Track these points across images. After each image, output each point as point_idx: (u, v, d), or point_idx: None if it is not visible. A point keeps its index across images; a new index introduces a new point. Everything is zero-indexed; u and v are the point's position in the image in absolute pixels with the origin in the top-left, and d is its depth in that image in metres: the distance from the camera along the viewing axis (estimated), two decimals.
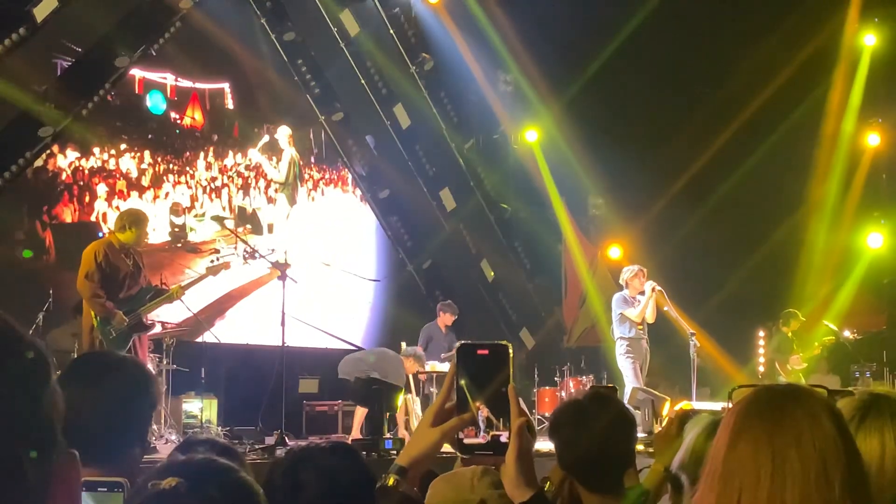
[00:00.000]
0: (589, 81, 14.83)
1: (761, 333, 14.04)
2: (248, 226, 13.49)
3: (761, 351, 14.03)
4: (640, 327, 11.54)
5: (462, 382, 1.86)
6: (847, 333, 13.57)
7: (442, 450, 1.98)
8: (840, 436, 1.70)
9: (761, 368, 13.78)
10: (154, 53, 11.73)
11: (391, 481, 1.92)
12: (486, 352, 1.89)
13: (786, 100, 13.96)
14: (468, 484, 2.60)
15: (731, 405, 2.31)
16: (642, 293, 11.49)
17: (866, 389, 2.27)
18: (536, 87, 15.71)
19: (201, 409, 10.87)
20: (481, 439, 1.87)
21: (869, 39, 14.66)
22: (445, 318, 13.32)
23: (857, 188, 14.76)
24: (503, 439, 1.85)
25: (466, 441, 1.87)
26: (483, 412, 1.86)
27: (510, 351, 1.90)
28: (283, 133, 14.05)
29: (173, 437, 9.54)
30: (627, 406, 5.52)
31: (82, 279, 8.66)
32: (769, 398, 1.78)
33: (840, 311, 14.14)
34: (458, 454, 1.92)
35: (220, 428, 10.64)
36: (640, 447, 3.90)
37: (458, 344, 1.95)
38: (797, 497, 1.65)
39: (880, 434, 2.11)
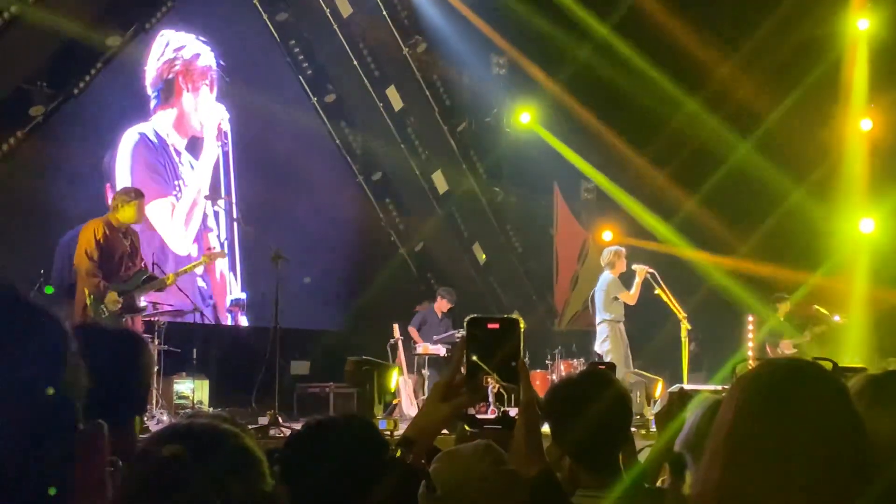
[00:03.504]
0: (582, 65, 14.82)
1: (751, 318, 14.04)
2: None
3: (751, 336, 14.05)
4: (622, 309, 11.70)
5: (472, 356, 1.86)
6: (837, 318, 13.60)
7: None
8: (846, 411, 1.69)
9: (750, 353, 13.78)
10: (146, 33, 11.68)
11: (397, 453, 1.92)
12: (496, 325, 1.87)
13: (781, 84, 13.94)
14: (469, 460, 2.60)
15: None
16: (623, 273, 11.65)
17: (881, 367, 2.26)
18: (529, 70, 15.66)
19: (193, 389, 10.85)
20: (490, 414, 1.87)
21: (862, 24, 14.63)
22: (442, 304, 13.35)
23: (849, 173, 14.76)
24: (512, 414, 1.85)
25: (475, 415, 1.87)
26: (493, 387, 1.86)
27: (521, 325, 1.89)
28: None
29: (165, 418, 9.53)
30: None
31: (81, 255, 8.67)
32: (774, 374, 1.76)
33: (831, 296, 14.16)
34: (467, 428, 1.92)
35: (211, 409, 10.63)
36: (632, 428, 3.90)
37: (468, 317, 1.94)
38: (803, 473, 1.64)
39: (895, 409, 2.10)
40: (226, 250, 12.85)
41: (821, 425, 1.65)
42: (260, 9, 13.68)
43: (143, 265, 9.17)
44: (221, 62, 13.34)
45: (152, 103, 12.58)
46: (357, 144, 14.96)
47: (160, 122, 12.68)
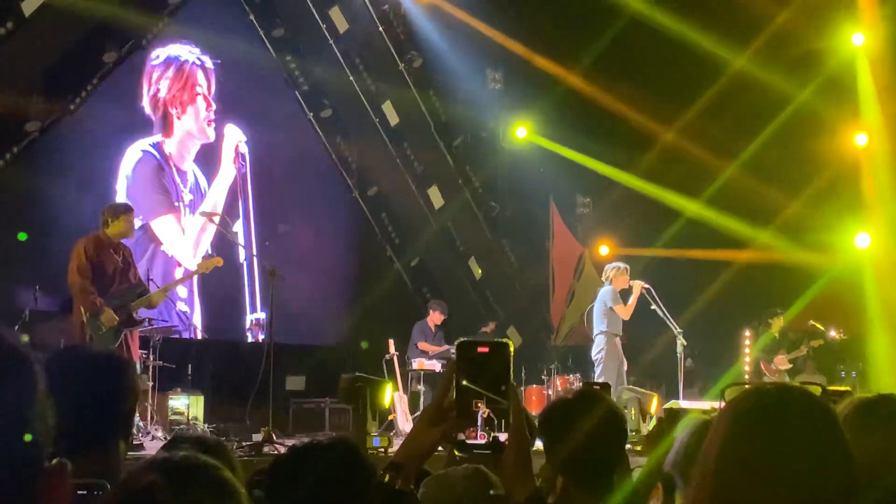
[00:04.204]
0: (578, 80, 14.84)
1: (747, 333, 14.03)
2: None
3: (747, 351, 14.03)
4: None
5: (461, 380, 1.85)
6: (833, 333, 13.59)
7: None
8: (834, 436, 1.69)
9: (747, 368, 13.77)
10: (143, 48, 11.69)
11: (386, 478, 1.92)
12: (486, 349, 1.87)
13: (777, 99, 13.95)
14: (459, 484, 2.60)
15: (723, 404, 2.29)
16: (624, 289, 11.63)
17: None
18: (525, 86, 15.67)
19: (188, 405, 10.82)
20: (480, 438, 1.87)
21: (858, 39, 14.64)
22: (435, 317, 13.33)
23: (844, 187, 14.76)
24: (502, 439, 1.85)
25: (465, 440, 1.86)
26: (482, 411, 1.85)
27: (511, 348, 1.89)
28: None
29: (160, 434, 9.51)
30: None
31: (74, 273, 8.64)
32: (762, 398, 1.77)
33: (826, 311, 14.14)
34: (457, 453, 1.91)
35: (206, 425, 10.61)
36: (627, 446, 3.90)
37: (458, 341, 1.93)
38: (791, 497, 1.64)
39: (884, 432, 2.11)
40: (244, 269, 12.93)
41: (808, 451, 1.66)
42: (256, 24, 13.70)
43: (137, 279, 9.16)
44: (211, 60, 13.31)
45: (154, 125, 12.69)
46: (353, 159, 14.97)
47: (162, 142, 12.76)
